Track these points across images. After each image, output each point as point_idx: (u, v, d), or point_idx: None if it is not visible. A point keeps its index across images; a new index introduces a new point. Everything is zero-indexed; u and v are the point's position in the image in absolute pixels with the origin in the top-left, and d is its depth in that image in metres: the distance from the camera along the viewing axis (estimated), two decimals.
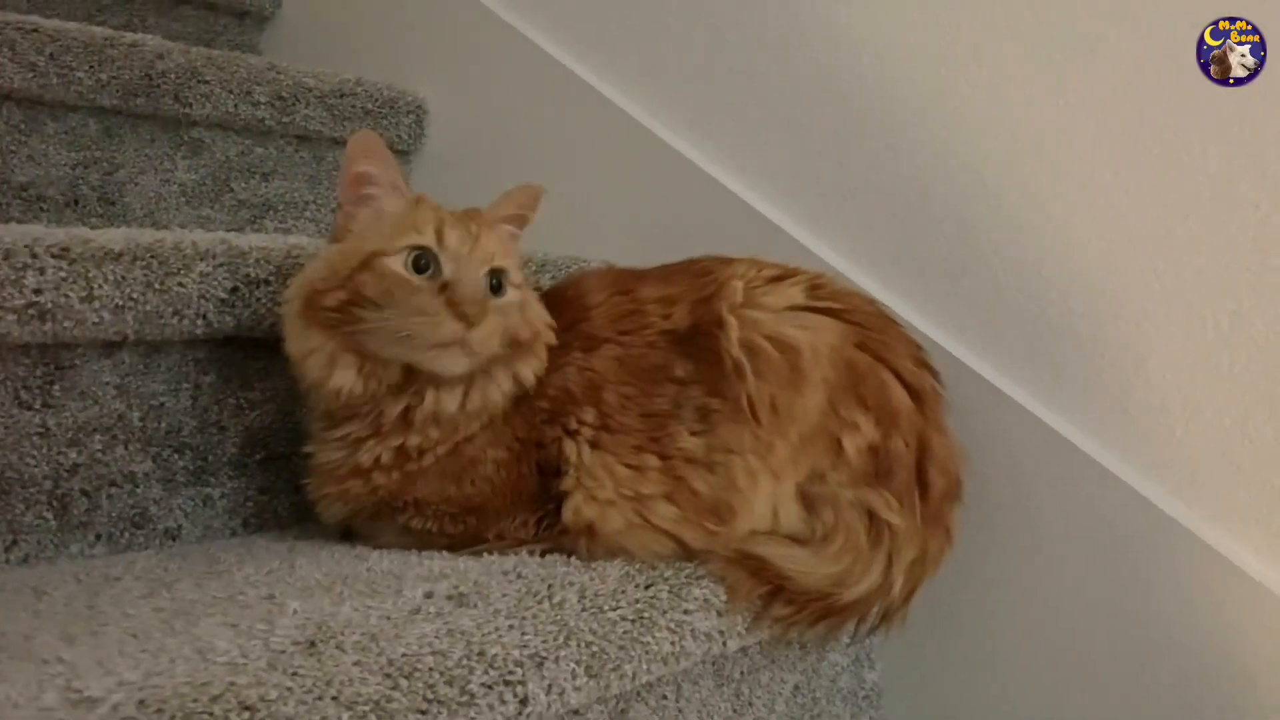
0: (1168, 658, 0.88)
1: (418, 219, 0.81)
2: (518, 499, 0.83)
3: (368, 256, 0.79)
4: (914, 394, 0.85)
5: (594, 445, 0.81)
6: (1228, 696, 0.86)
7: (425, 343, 0.77)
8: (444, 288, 0.78)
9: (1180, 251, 0.90)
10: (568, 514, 0.81)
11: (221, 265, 0.86)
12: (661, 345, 0.84)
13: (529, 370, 0.83)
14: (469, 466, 0.82)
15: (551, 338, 0.85)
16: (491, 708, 0.58)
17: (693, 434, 0.81)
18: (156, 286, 0.82)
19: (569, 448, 0.82)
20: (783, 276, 0.87)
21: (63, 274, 0.77)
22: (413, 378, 0.80)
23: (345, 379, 0.79)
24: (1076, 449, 0.92)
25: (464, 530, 0.83)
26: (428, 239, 0.80)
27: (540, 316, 0.85)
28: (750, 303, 0.84)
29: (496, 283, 0.81)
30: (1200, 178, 0.89)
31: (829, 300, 0.86)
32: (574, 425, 0.82)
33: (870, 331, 0.86)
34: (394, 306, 0.77)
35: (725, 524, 0.80)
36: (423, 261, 0.79)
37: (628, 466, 0.80)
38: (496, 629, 0.64)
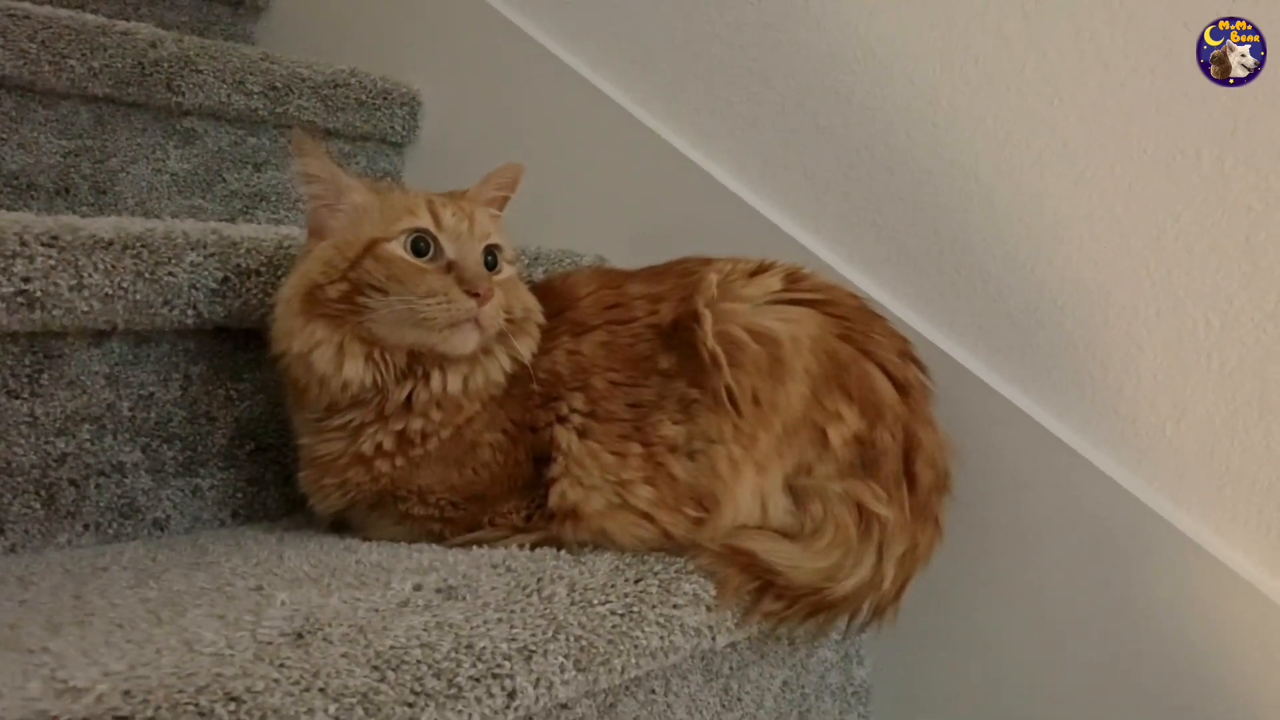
0: (1155, 654, 0.88)
1: (410, 203, 0.82)
2: (513, 486, 0.83)
3: (368, 244, 0.79)
4: (899, 386, 0.85)
5: (582, 434, 0.82)
6: (1214, 692, 0.86)
7: (440, 323, 0.78)
8: (449, 267, 0.79)
9: (1172, 251, 0.90)
10: (554, 498, 0.81)
11: (212, 255, 0.85)
12: (647, 338, 0.85)
13: (526, 348, 0.83)
14: (469, 451, 0.83)
15: (540, 317, 0.86)
16: (479, 701, 0.58)
17: (674, 423, 0.81)
18: (147, 276, 0.82)
19: (560, 435, 0.82)
20: (760, 269, 0.88)
21: (52, 262, 0.77)
22: (417, 361, 0.80)
23: (354, 369, 0.79)
24: (1066, 446, 0.93)
25: (463, 515, 0.84)
26: (425, 221, 0.80)
27: (527, 295, 0.86)
28: (727, 296, 0.84)
29: (492, 259, 0.83)
30: (1193, 178, 0.89)
31: (809, 291, 0.87)
32: (565, 411, 0.83)
33: (853, 324, 0.86)
34: (401, 291, 0.78)
35: (708, 513, 0.80)
36: (422, 244, 0.80)
37: (613, 454, 0.81)
38: (485, 622, 0.64)
